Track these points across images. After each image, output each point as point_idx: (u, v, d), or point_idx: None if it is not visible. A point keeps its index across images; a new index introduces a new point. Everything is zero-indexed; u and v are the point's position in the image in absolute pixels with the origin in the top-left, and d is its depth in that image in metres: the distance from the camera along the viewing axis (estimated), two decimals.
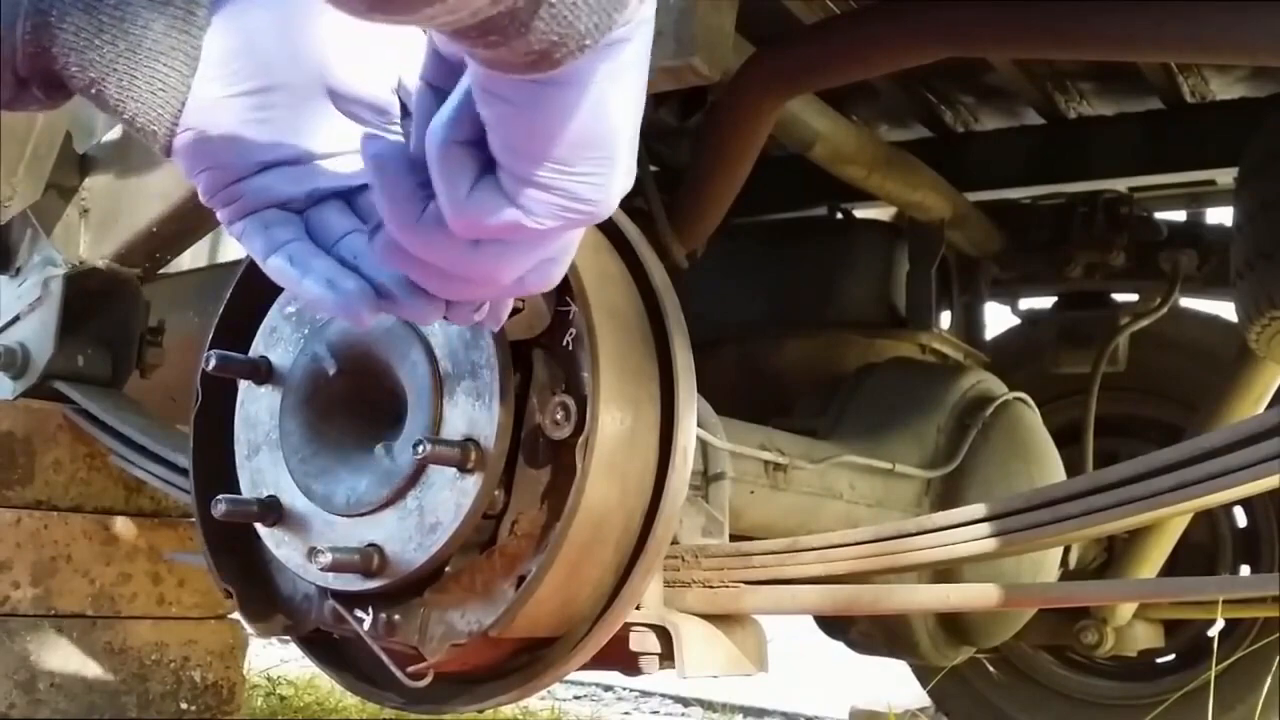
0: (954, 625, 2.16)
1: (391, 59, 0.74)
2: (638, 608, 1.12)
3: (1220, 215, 2.73)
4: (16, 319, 1.89)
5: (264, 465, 1.09)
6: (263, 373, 1.10)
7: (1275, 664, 2.57)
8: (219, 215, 0.72)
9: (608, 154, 0.58)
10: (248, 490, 1.10)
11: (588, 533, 0.98)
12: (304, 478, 1.06)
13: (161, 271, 1.92)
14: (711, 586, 1.23)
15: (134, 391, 1.91)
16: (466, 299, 0.69)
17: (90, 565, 1.81)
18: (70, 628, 1.77)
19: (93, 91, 0.70)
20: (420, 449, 0.97)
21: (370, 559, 1.00)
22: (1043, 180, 2.64)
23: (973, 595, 1.23)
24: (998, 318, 2.88)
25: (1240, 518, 2.83)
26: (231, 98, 0.70)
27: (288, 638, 1.17)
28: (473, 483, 0.98)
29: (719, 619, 1.23)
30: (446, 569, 1.03)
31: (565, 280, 1.01)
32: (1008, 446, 2.16)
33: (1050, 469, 2.25)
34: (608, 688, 5.40)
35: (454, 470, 0.98)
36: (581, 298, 0.99)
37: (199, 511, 1.16)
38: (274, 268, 0.70)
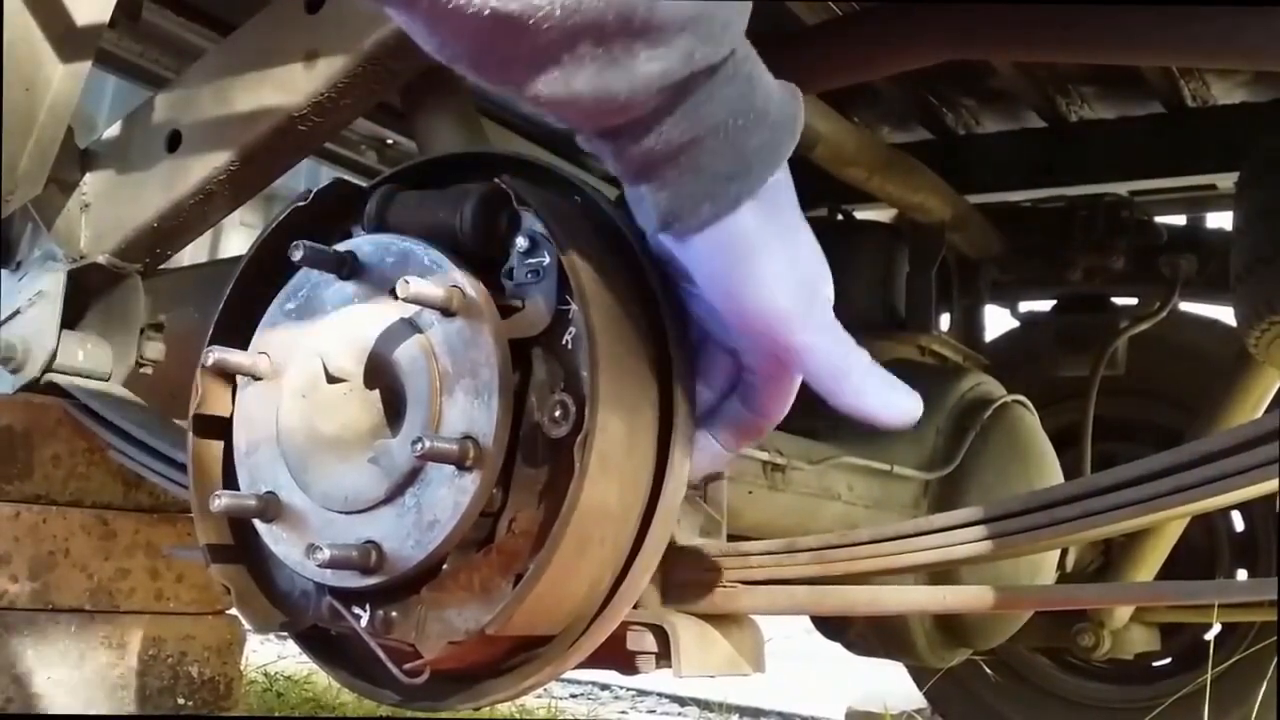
0: (951, 627, 2.16)
1: None
2: (635, 607, 1.12)
3: (1220, 220, 2.73)
4: (17, 313, 1.89)
5: (262, 461, 1.09)
6: (261, 369, 1.10)
7: (1271, 668, 2.58)
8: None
9: None
10: (246, 486, 1.10)
11: (585, 531, 0.98)
12: (302, 474, 1.06)
13: (162, 267, 1.92)
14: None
15: (134, 387, 1.91)
16: None
17: (88, 560, 1.80)
18: (68, 622, 1.77)
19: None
20: (419, 446, 0.96)
21: (368, 555, 1.00)
22: (1043, 183, 2.64)
23: (970, 597, 1.23)
24: (997, 320, 2.88)
25: (1238, 522, 2.84)
26: None
27: (285, 634, 1.17)
28: (471, 480, 0.98)
29: (716, 619, 1.23)
30: (444, 566, 1.02)
31: (565, 278, 1.01)
32: (1006, 449, 2.16)
33: (1048, 472, 2.25)
34: (605, 686, 5.40)
35: (452, 468, 0.98)
36: (581, 297, 0.99)
37: (197, 507, 1.16)
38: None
